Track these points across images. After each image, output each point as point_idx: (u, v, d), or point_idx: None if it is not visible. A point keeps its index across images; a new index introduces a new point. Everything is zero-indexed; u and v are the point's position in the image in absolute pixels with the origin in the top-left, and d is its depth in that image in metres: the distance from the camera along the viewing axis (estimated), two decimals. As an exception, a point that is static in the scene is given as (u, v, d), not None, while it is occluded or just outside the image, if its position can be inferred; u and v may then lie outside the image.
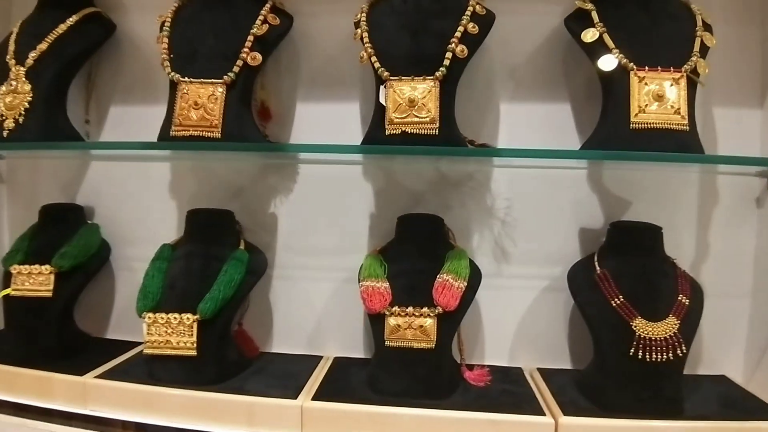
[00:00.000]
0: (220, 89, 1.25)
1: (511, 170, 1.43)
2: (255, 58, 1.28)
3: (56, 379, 1.31)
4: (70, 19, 1.41)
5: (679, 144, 1.17)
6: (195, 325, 1.27)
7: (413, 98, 1.18)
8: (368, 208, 1.48)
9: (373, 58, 1.23)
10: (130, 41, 1.52)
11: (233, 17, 1.32)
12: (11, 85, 1.35)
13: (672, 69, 1.18)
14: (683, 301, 1.22)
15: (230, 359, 1.35)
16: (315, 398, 1.24)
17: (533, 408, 1.23)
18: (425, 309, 1.24)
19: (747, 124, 1.37)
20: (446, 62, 1.20)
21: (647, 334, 1.18)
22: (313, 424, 1.21)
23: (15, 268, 1.39)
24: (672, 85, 1.17)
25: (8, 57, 1.38)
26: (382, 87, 1.21)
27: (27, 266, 1.39)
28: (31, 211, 1.57)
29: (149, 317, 1.28)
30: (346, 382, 1.34)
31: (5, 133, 1.33)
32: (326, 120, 1.46)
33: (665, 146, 1.16)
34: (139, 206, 1.55)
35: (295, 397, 1.24)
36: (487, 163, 1.42)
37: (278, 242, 1.51)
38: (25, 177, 1.64)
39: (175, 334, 1.28)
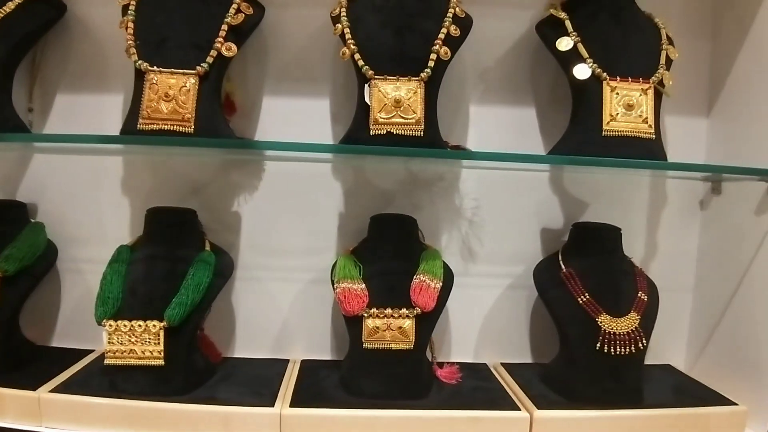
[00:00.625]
0: (192, 80, 1.15)
1: (478, 171, 1.44)
2: (230, 49, 1.20)
3: (6, 394, 1.19)
4: None
5: (647, 151, 1.22)
6: (162, 333, 1.18)
7: (399, 99, 1.16)
8: (337, 207, 1.44)
9: (357, 56, 1.19)
10: (80, 23, 1.38)
11: (203, 3, 1.23)
12: (-50, 67, 1.19)
13: (641, 80, 1.23)
14: (642, 297, 1.29)
15: (197, 367, 1.28)
16: (293, 404, 1.20)
17: (508, 403, 1.26)
18: (404, 310, 1.23)
19: (694, 131, 1.46)
20: (431, 63, 1.18)
21: (612, 329, 1.24)
22: (291, 431, 1.17)
23: (-49, 273, 1.24)
24: (641, 95, 1.22)
25: (-55, 35, 1.20)
26: (366, 86, 1.18)
27: (-36, 271, 1.24)
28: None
29: (110, 325, 1.19)
30: (319, 386, 1.30)
31: (-57, 122, 1.17)
32: (293, 115, 1.40)
33: (634, 153, 1.21)
34: (88, 203, 1.42)
35: (272, 405, 1.19)
36: (457, 164, 1.43)
37: (241, 242, 1.43)
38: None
39: (140, 342, 1.18)
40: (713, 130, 1.45)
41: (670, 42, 1.30)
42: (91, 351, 1.41)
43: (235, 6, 1.24)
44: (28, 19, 1.28)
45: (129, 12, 1.22)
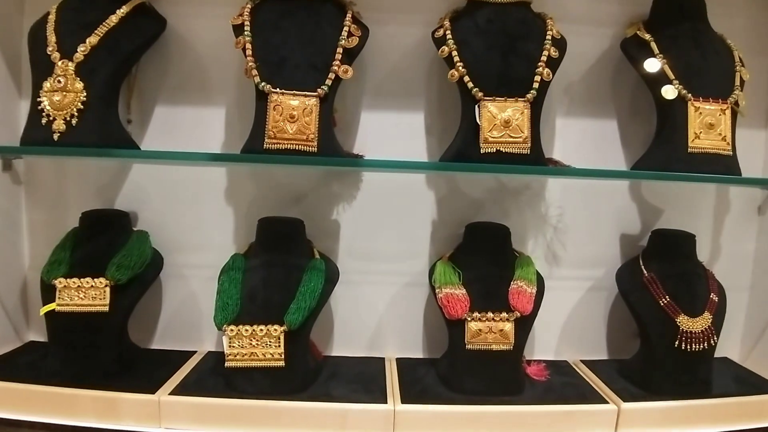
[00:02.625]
0: (314, 101, 1.29)
1: (563, 180, 1.62)
2: (347, 72, 1.33)
3: (125, 398, 1.32)
4: (121, 10, 1.36)
5: (726, 167, 1.41)
6: (282, 336, 1.33)
7: (508, 119, 1.32)
8: (429, 215, 1.60)
9: (466, 78, 1.34)
10: (178, 37, 1.50)
11: (316, 25, 1.36)
12: (59, 81, 1.28)
13: (720, 100, 1.40)
14: (714, 298, 1.49)
15: (310, 367, 1.44)
16: (404, 401, 1.36)
17: (596, 397, 1.44)
18: (504, 314, 1.40)
19: (753, 142, 1.64)
20: (535, 85, 1.34)
21: (689, 328, 1.43)
22: (404, 427, 1.33)
23: (60, 282, 1.35)
24: (720, 114, 1.40)
25: (49, 49, 1.30)
26: (476, 106, 1.33)
27: (75, 279, 1.36)
28: (55, 216, 1.56)
29: (231, 329, 1.33)
30: (422, 384, 1.47)
31: (56, 136, 1.27)
32: (389, 129, 1.55)
33: (715, 169, 1.39)
34: (188, 211, 1.57)
35: (385, 401, 1.36)
36: (543, 173, 1.60)
37: (340, 248, 1.59)
38: (47, 179, 1.57)
39: (261, 345, 1.33)
40: (772, 141, 1.65)
41: (742, 63, 1.47)
42: (194, 352, 1.56)
43: (346, 29, 1.36)
44: (133, 33, 1.39)
45: (245, 33, 1.33)
